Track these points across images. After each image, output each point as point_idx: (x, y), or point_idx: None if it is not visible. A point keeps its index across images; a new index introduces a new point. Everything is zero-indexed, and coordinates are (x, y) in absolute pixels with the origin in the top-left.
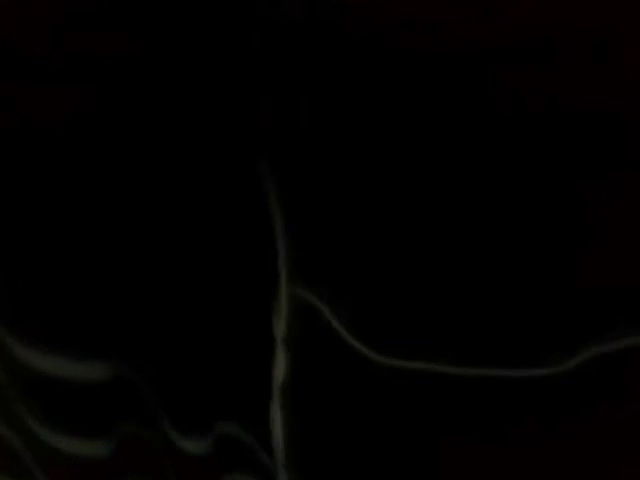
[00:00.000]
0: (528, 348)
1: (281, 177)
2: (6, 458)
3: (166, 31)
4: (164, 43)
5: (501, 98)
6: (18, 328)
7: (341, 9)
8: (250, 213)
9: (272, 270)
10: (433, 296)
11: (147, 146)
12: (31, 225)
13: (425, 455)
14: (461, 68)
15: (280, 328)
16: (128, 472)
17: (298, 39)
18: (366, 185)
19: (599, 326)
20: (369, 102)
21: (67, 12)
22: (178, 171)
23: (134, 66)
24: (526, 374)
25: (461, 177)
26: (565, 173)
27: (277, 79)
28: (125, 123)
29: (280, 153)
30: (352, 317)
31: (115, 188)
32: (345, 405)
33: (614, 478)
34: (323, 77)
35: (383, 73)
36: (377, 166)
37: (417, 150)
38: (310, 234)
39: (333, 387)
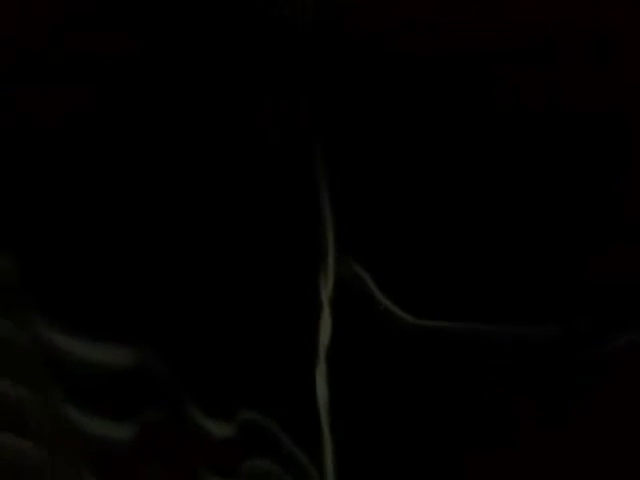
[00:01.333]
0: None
1: (329, 160)
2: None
3: (166, 31)
4: (164, 43)
5: (501, 98)
6: (48, 312)
7: (342, 10)
8: (295, 188)
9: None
10: (467, 266)
11: (147, 146)
12: (35, 225)
13: (461, 415)
14: (461, 68)
15: (326, 294)
16: (150, 455)
17: (299, 39)
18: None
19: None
20: (370, 102)
21: (67, 12)
22: (184, 166)
23: (134, 66)
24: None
25: (462, 176)
26: (564, 172)
27: (278, 79)
28: (125, 123)
29: (326, 136)
30: (391, 282)
31: (116, 186)
32: (384, 369)
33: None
34: (324, 77)
35: (384, 73)
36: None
37: (419, 149)
38: (353, 207)
39: (372, 351)
